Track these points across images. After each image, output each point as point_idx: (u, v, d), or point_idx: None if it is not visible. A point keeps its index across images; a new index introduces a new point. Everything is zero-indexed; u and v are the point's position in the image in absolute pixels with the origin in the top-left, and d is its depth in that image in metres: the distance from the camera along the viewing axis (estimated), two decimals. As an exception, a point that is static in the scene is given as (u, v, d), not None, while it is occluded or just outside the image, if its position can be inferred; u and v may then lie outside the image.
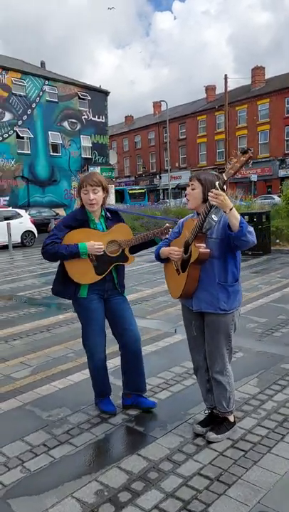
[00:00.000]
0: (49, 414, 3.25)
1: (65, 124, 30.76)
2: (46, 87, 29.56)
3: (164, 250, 2.91)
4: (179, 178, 44.09)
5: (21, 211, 18.20)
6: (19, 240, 16.81)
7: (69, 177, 30.74)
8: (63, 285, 3.04)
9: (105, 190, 2.98)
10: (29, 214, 19.45)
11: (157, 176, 49.02)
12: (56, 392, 3.63)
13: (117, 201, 29.98)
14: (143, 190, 35.15)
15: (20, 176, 28.06)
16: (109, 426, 3.05)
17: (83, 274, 2.98)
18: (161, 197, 46.00)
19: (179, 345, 4.57)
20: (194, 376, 3.14)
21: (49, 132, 29.58)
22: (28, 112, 28.42)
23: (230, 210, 2.48)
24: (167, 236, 2.97)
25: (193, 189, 2.73)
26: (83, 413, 3.25)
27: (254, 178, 33.05)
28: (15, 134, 27.62)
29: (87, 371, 3.43)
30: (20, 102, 28.01)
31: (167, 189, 38.06)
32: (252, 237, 2.55)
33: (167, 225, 2.98)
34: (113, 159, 35.19)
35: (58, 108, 30.18)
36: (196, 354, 2.94)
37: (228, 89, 34.29)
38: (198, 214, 2.74)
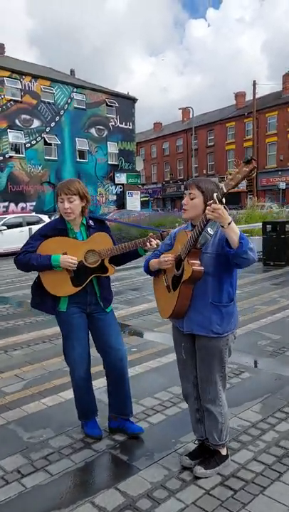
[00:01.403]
0: (31, 436, 3.04)
1: (93, 130, 30.93)
2: (74, 95, 29.83)
3: (154, 262, 2.66)
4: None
5: (44, 216, 18.29)
6: (41, 245, 16.82)
7: (95, 183, 30.81)
8: (40, 297, 2.85)
9: (84, 198, 2.79)
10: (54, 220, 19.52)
11: (184, 183, 48.73)
12: (44, 410, 3.43)
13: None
14: (146, 199, 39.23)
15: (47, 181, 28.35)
16: (92, 452, 2.81)
17: (59, 285, 2.77)
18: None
19: (181, 362, 4.28)
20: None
21: (76, 139, 29.80)
22: (56, 119, 28.74)
23: (229, 224, 2.19)
24: (155, 247, 2.72)
25: (192, 198, 2.44)
26: (67, 436, 3.02)
27: (282, 186, 32.36)
28: (42, 140, 27.96)
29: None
30: (49, 109, 28.36)
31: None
32: (253, 255, 2.25)
33: (150, 234, 2.74)
34: (139, 166, 35.15)
35: (85, 115, 30.40)
36: (184, 380, 2.67)
37: (259, 95, 33.78)
38: (192, 226, 2.48)
